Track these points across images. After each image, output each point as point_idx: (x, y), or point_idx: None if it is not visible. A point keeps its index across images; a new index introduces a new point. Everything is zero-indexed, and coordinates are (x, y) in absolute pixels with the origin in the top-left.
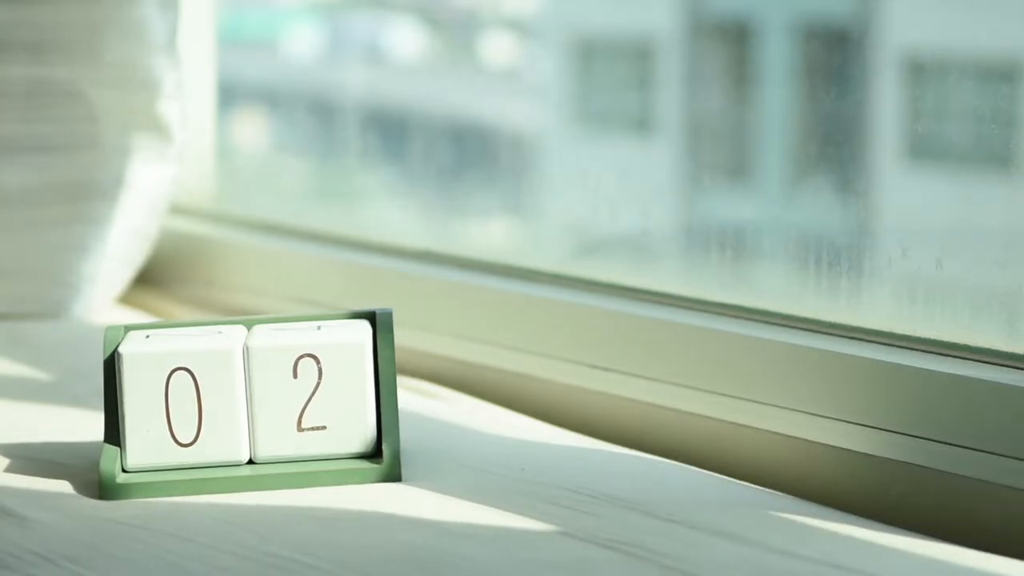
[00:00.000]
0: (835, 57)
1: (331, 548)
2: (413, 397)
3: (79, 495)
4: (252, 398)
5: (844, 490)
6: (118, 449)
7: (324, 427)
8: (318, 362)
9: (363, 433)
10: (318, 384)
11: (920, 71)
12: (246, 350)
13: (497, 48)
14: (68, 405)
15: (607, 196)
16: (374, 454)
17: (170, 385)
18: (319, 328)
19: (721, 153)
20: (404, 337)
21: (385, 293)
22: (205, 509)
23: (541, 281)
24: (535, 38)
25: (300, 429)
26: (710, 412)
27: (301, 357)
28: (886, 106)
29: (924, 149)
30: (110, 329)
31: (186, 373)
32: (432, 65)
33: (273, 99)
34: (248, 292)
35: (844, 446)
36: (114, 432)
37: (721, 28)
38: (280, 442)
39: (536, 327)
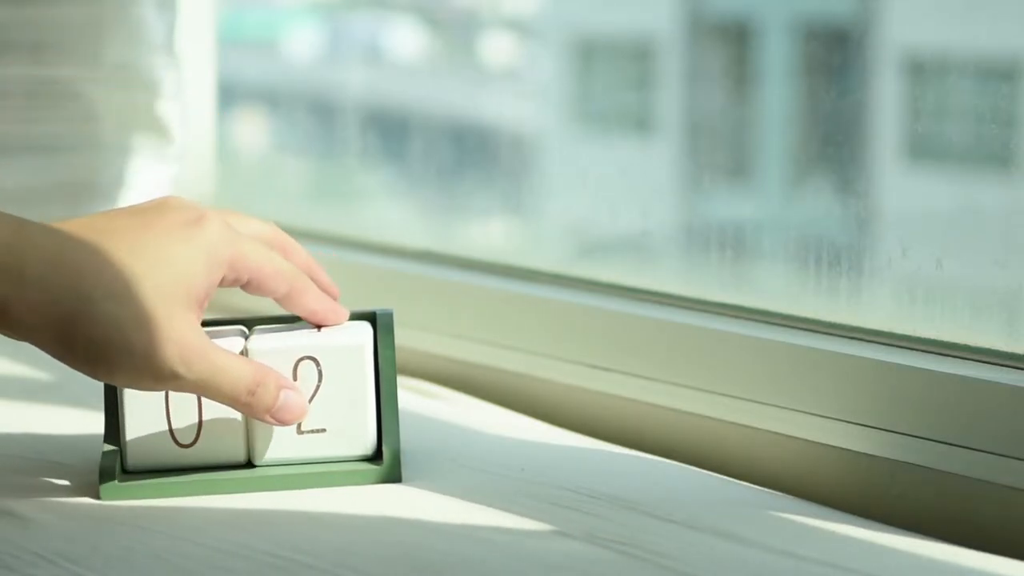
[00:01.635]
0: (835, 57)
1: (331, 548)
2: (413, 397)
3: (79, 495)
4: None
5: (844, 490)
6: (118, 449)
7: (324, 430)
8: (318, 364)
9: (363, 435)
10: (318, 387)
11: (920, 71)
12: (246, 352)
13: (497, 48)
14: (68, 405)
15: (607, 196)
16: (374, 455)
17: None
18: (319, 330)
19: (721, 153)
20: (404, 337)
21: (385, 293)
22: (205, 510)
23: (541, 281)
24: (535, 38)
25: (300, 432)
26: (710, 412)
27: (301, 360)
28: (886, 106)
29: (924, 149)
30: None
31: None
32: (432, 65)
33: (273, 99)
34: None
35: (844, 446)
36: (114, 432)
37: (721, 28)
38: (280, 445)
39: (536, 327)
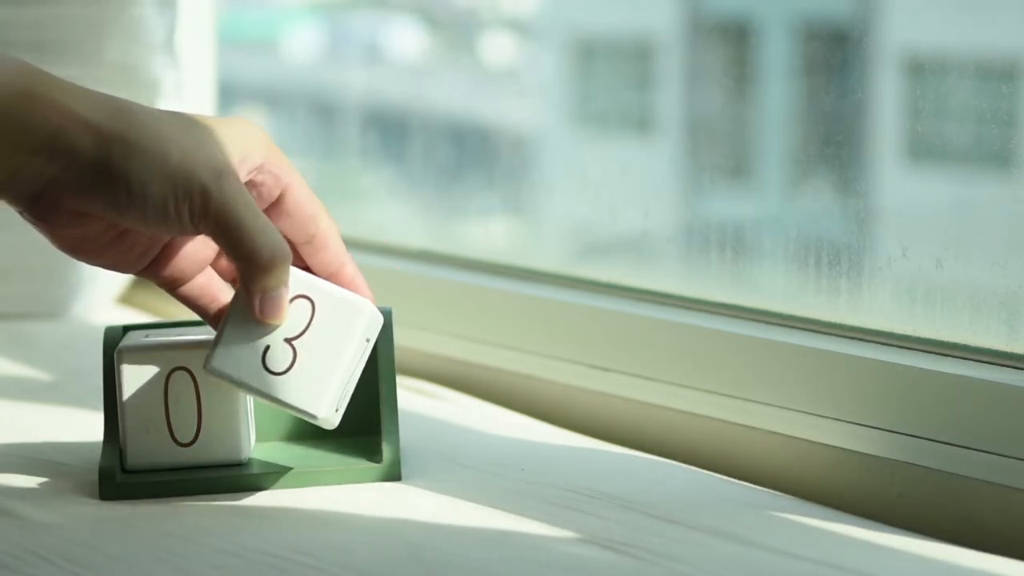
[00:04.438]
0: (835, 57)
1: (331, 548)
2: (413, 397)
3: (79, 495)
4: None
5: (844, 490)
6: (118, 449)
7: (287, 370)
8: (313, 308)
9: (322, 393)
10: (305, 328)
11: (920, 71)
12: None
13: (497, 48)
14: (68, 405)
15: (607, 196)
16: (374, 454)
17: (169, 385)
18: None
19: (721, 153)
20: (404, 337)
21: (385, 293)
22: (205, 509)
23: (541, 281)
24: (535, 38)
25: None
26: (710, 412)
27: (297, 297)
28: (886, 106)
29: (924, 149)
30: (110, 329)
31: (185, 373)
32: (432, 65)
33: (273, 99)
34: None
35: (844, 446)
36: (114, 432)
37: (721, 28)
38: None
39: (536, 327)
